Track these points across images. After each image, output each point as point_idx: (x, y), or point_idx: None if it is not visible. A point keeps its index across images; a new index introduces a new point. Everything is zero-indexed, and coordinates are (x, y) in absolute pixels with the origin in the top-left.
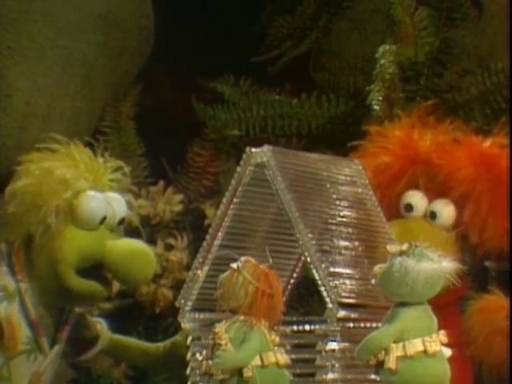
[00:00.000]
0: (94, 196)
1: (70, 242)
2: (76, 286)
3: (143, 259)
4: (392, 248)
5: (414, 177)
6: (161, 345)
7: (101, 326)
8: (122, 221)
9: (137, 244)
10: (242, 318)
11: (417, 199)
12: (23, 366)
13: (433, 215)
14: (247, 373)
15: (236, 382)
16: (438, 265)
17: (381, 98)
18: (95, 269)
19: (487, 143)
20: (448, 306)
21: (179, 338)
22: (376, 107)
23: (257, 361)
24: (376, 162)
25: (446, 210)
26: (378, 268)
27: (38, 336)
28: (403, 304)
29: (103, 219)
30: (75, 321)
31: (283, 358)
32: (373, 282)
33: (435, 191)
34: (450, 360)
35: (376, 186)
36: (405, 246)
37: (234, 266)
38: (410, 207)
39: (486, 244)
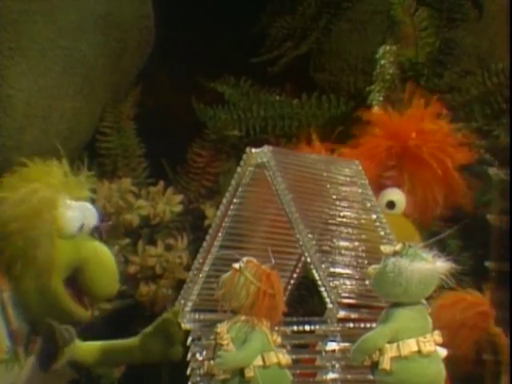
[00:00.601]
0: (72, 206)
1: (55, 254)
2: (63, 302)
3: (113, 278)
4: (386, 248)
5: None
6: (136, 338)
7: (69, 335)
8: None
9: (110, 260)
10: (243, 318)
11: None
12: (2, 377)
13: (391, 205)
14: (249, 373)
15: (238, 382)
16: (431, 265)
17: (381, 99)
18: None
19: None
20: None
21: (151, 328)
22: (376, 108)
23: (258, 361)
24: None
25: (398, 197)
26: (371, 269)
27: (17, 346)
28: (398, 304)
29: (81, 227)
30: (46, 331)
31: (285, 358)
32: (367, 283)
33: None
34: None
35: None
36: (398, 247)
37: (236, 266)
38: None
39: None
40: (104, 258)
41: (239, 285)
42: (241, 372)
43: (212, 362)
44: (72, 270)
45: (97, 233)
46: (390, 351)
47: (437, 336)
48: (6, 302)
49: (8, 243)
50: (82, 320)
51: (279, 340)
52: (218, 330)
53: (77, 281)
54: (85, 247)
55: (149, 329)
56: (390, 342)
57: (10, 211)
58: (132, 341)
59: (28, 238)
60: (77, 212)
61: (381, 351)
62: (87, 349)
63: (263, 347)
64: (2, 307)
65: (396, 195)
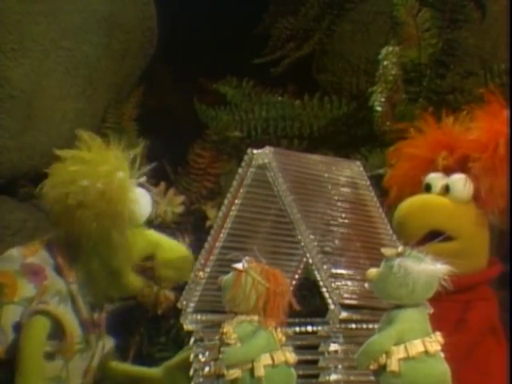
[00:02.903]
0: (142, 192)
1: (131, 242)
2: (132, 282)
3: (189, 261)
4: (387, 251)
5: (437, 162)
6: (159, 370)
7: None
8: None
9: (182, 246)
10: (248, 317)
11: (435, 178)
12: (78, 365)
13: (446, 188)
14: (258, 372)
15: (248, 382)
16: (434, 266)
17: (383, 100)
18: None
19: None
20: (479, 288)
21: (175, 361)
22: (378, 108)
23: (268, 360)
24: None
25: (458, 182)
26: (372, 272)
27: (89, 334)
28: (399, 306)
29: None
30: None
31: (292, 356)
32: (366, 285)
33: (456, 170)
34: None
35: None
36: (401, 249)
37: (240, 266)
38: (428, 186)
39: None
40: (174, 242)
41: (247, 286)
42: (250, 371)
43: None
44: (144, 257)
45: None
46: (398, 353)
47: (439, 337)
48: (75, 293)
49: (88, 226)
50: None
51: (284, 338)
52: (225, 330)
53: (150, 266)
54: (153, 234)
55: (173, 361)
56: (396, 344)
57: (92, 195)
58: (155, 371)
59: (109, 224)
60: (146, 199)
61: (387, 353)
62: (114, 367)
63: (269, 346)
64: (71, 299)
65: (433, 177)
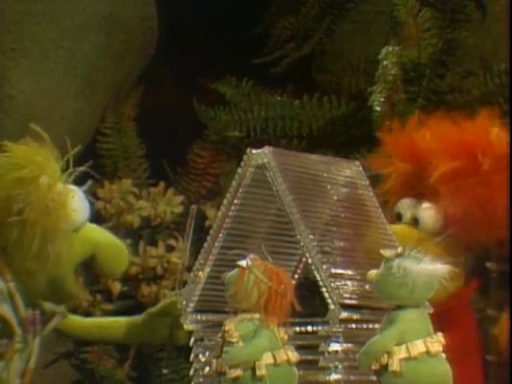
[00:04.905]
0: (77, 197)
1: (70, 247)
2: (73, 289)
3: (126, 253)
4: (387, 252)
5: (410, 183)
6: (139, 317)
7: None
8: None
9: (117, 240)
10: (249, 315)
11: (405, 207)
12: (16, 366)
13: (415, 221)
14: (260, 371)
15: (249, 380)
16: (434, 267)
17: (382, 100)
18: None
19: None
20: (457, 309)
21: (157, 308)
22: (377, 108)
23: (269, 359)
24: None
25: (427, 215)
26: (372, 273)
27: (27, 333)
28: (400, 307)
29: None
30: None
31: (294, 355)
32: (367, 287)
33: (427, 195)
34: (459, 363)
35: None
36: (400, 249)
37: (243, 263)
38: (399, 216)
39: (479, 240)
40: (111, 238)
41: (249, 284)
42: (252, 370)
43: (221, 360)
44: (84, 259)
45: None
46: (399, 353)
47: (441, 337)
48: (12, 291)
49: (21, 233)
50: (75, 300)
51: (286, 337)
52: (227, 328)
53: (90, 264)
54: (91, 233)
55: (154, 309)
56: (397, 344)
57: (24, 199)
58: (134, 319)
59: (44, 231)
60: (82, 202)
61: (389, 354)
62: (81, 323)
63: (271, 345)
64: (10, 297)
65: (403, 206)
